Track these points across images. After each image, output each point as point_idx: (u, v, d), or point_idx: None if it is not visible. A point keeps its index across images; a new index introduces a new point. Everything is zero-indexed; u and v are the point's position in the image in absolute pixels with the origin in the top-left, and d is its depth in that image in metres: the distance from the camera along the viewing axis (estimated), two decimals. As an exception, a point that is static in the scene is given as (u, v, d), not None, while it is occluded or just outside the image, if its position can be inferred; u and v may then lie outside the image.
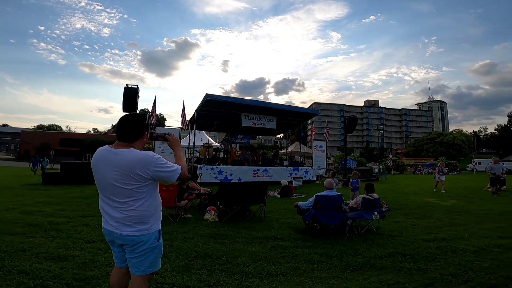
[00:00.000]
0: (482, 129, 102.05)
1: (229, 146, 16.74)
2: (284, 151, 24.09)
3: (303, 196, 10.26)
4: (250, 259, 3.77)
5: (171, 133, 2.22)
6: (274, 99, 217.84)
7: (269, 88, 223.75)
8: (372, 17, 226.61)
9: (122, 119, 2.00)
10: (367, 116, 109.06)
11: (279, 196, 10.36)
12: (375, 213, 5.23)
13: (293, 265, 3.63)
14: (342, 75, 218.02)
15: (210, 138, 21.61)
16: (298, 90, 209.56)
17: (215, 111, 15.59)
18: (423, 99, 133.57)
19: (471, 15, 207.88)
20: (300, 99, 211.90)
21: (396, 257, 3.89)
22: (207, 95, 13.59)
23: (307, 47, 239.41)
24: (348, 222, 5.21)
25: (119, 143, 1.97)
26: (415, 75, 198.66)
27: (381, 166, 29.19)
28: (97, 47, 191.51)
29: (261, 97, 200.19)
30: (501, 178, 11.19)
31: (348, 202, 5.88)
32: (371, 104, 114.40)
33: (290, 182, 12.44)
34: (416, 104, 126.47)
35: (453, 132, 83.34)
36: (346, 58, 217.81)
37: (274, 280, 3.21)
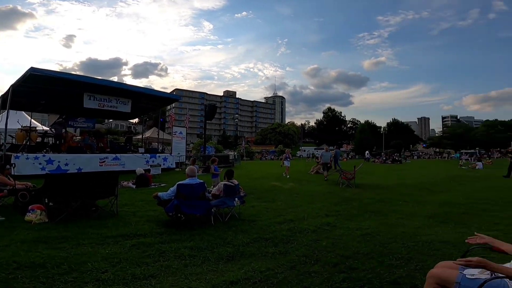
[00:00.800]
0: (306, 122, 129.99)
1: (64, 131, 13.47)
2: (140, 137, 21.92)
3: (162, 185, 9.60)
4: (106, 263, 3.12)
5: None
6: (131, 82, 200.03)
7: (126, 70, 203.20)
8: (244, 13, 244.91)
9: None
10: (225, 105, 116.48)
11: (134, 186, 9.25)
12: (236, 199, 5.40)
13: (163, 263, 3.24)
14: (207, 64, 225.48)
15: (34, 120, 16.63)
16: (160, 75, 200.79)
17: (43, 89, 12.00)
18: (269, 94, 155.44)
19: (315, 23, 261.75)
20: (161, 84, 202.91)
21: (260, 242, 4.06)
22: (32, 69, 10.50)
23: (177, 33, 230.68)
24: (213, 210, 5.15)
25: None
26: (267, 72, 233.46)
27: (235, 153, 31.90)
28: None
29: (114, 79, 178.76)
30: (328, 165, 13.38)
31: (211, 189, 5.84)
32: (230, 95, 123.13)
33: (147, 170, 11.43)
34: (264, 98, 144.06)
35: (288, 124, 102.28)
36: (213, 49, 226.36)
37: (144, 284, 2.75)
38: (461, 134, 70.84)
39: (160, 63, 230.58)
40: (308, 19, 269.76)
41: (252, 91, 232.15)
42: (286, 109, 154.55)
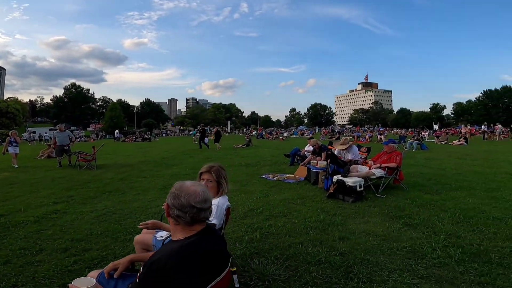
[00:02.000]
0: (38, 99, 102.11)
1: None
2: None
3: None
4: None
5: None
6: None
7: None
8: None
9: None
10: None
11: None
12: None
13: None
14: None
15: None
16: None
17: None
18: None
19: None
20: None
21: None
22: None
23: None
24: None
25: None
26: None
27: None
28: None
29: None
30: (65, 147, 10.56)
31: None
32: None
33: None
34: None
35: (8, 100, 75.73)
36: None
37: None
38: (197, 114, 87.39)
39: None
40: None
41: None
42: (7, 82, 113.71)
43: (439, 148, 15.59)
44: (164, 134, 58.87)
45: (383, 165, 5.40)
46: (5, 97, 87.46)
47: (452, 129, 46.27)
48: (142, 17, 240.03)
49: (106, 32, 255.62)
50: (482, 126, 34.78)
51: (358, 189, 4.71)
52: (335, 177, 5.07)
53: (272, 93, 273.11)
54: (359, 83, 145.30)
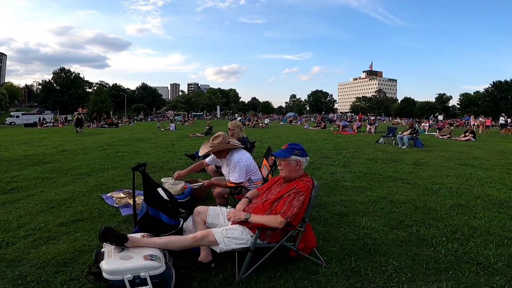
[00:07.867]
0: (35, 83, 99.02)
1: None
2: None
3: None
4: None
5: None
6: None
7: None
8: None
9: None
10: None
11: None
12: None
13: None
14: None
15: None
16: None
17: None
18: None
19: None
20: None
21: None
22: None
23: None
24: None
25: None
26: None
27: None
28: None
29: None
30: None
31: None
32: None
33: None
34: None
35: (4, 84, 73.89)
36: None
37: None
38: (191, 98, 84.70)
39: None
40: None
41: None
42: (11, 68, 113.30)
43: (439, 145, 12.02)
44: (149, 119, 55.94)
45: (252, 218, 2.01)
46: (6, 81, 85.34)
47: (458, 120, 42.10)
48: (147, 3, 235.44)
49: (109, 18, 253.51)
50: (501, 118, 24.40)
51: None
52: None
53: (275, 80, 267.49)
54: (363, 71, 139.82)
